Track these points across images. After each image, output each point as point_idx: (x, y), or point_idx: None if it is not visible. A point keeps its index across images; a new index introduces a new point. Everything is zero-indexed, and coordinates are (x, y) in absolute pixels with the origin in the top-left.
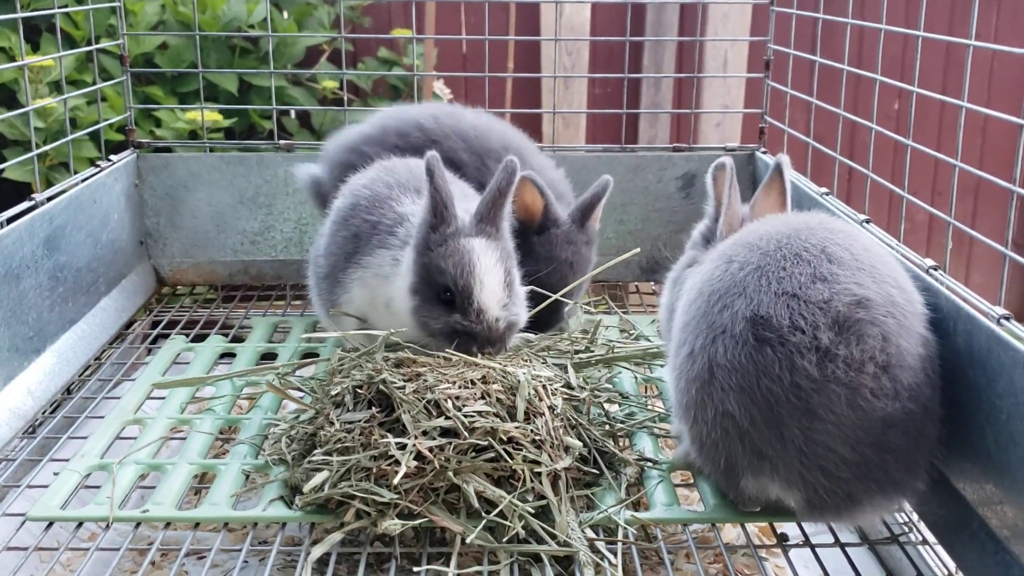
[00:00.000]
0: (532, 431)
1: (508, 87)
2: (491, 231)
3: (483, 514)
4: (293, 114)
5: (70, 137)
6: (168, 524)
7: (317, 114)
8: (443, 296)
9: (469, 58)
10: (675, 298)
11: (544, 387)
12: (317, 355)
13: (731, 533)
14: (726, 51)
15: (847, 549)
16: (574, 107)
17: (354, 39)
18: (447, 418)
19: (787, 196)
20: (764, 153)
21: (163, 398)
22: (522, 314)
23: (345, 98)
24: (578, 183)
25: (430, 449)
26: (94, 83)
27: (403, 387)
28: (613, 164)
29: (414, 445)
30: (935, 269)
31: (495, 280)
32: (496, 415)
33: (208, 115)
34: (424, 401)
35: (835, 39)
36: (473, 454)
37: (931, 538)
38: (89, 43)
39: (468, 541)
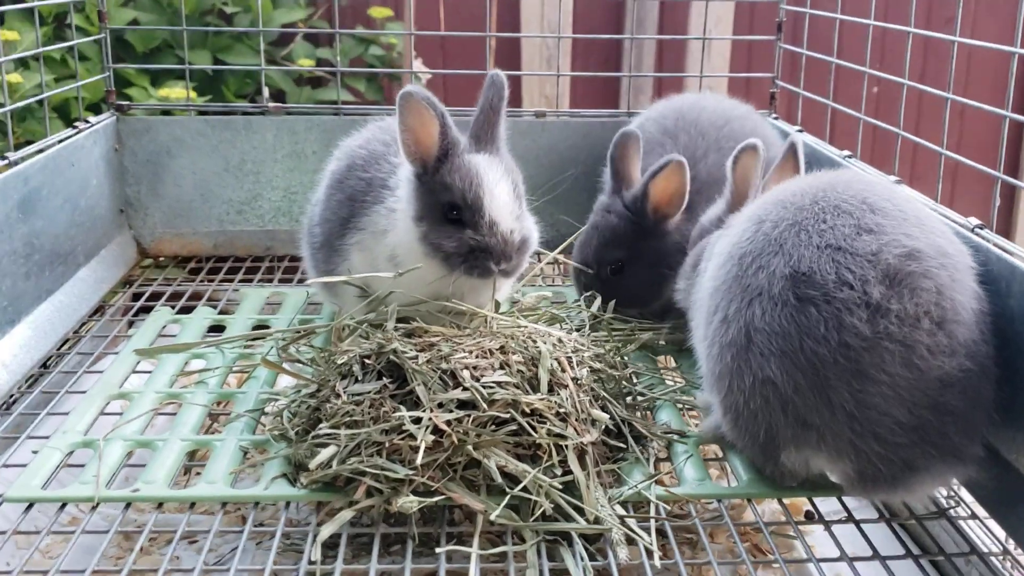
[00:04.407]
0: (556, 403)
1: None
2: (490, 148)
3: (506, 490)
4: (266, 94)
5: (29, 101)
6: (160, 505)
7: (292, 93)
8: (451, 216)
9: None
10: (695, 260)
11: (568, 358)
12: (313, 323)
13: (760, 510)
14: (711, 30)
15: (893, 524)
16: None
17: (330, 16)
18: (464, 389)
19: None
20: (776, 119)
21: (150, 371)
22: (534, 232)
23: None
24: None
25: (447, 423)
26: (62, 60)
27: (415, 357)
28: (608, 128)
29: (430, 419)
30: (981, 228)
31: (504, 191)
32: (516, 387)
33: (181, 92)
34: (439, 372)
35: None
36: (493, 427)
37: (981, 512)
38: (58, 17)
39: (492, 519)
